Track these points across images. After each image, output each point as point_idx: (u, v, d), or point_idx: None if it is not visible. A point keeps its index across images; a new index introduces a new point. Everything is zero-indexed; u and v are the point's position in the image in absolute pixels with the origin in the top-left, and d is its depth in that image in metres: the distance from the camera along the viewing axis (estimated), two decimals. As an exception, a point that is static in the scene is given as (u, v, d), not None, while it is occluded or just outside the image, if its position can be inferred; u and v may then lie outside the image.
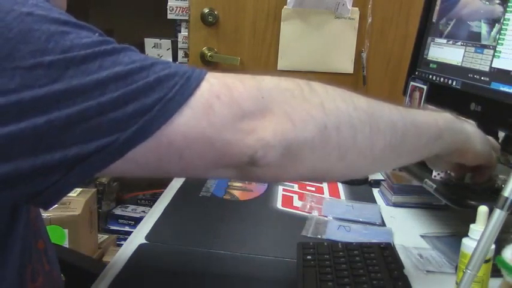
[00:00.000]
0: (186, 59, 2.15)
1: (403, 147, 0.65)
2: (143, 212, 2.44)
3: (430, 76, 1.08)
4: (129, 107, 0.48)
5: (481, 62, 0.93)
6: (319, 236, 0.90)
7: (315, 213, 1.01)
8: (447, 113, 0.72)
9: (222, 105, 0.52)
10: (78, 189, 2.12)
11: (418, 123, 0.66)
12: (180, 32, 2.21)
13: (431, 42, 1.10)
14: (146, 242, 0.85)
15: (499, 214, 0.55)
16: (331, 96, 0.58)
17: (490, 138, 0.80)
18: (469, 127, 0.74)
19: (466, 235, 0.68)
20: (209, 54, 1.90)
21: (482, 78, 0.92)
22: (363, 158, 0.61)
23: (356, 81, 1.93)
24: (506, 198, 0.55)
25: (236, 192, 1.10)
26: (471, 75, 0.95)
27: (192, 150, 0.52)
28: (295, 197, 1.10)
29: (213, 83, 0.53)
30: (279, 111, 0.54)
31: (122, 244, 0.91)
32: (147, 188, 2.61)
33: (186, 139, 0.51)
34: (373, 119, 0.60)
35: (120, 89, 0.48)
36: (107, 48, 0.50)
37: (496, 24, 0.90)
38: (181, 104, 0.50)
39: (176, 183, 1.15)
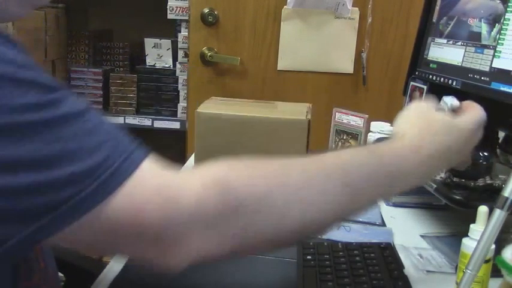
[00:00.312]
0: (186, 59, 2.15)
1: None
2: (143, 212, 2.43)
3: (430, 76, 1.08)
4: (38, 199, 0.43)
5: (481, 62, 0.93)
6: (319, 236, 0.90)
7: (315, 213, 1.01)
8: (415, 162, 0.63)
9: (131, 226, 0.48)
10: (78, 189, 2.13)
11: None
12: (180, 32, 2.21)
13: (431, 42, 1.10)
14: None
15: (499, 214, 0.55)
16: (253, 219, 0.52)
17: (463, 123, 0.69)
18: (430, 169, 0.66)
19: (466, 235, 0.68)
20: (209, 54, 1.90)
21: (482, 78, 0.92)
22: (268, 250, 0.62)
23: (356, 81, 1.93)
24: (506, 198, 0.55)
25: (236, 192, 1.10)
26: (471, 75, 0.95)
27: (103, 251, 0.53)
28: (295, 197, 1.10)
29: (134, 193, 0.47)
30: (185, 245, 0.50)
31: (122, 244, 0.90)
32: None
33: (93, 245, 0.50)
34: (293, 232, 0.55)
35: (31, 177, 0.43)
36: (38, 118, 0.44)
37: (496, 24, 0.90)
38: (94, 205, 0.45)
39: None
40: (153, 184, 0.49)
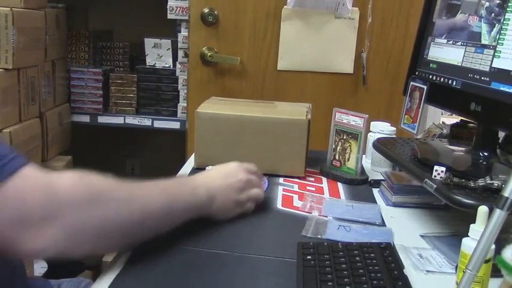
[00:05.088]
0: (186, 59, 2.15)
1: (163, 228, 0.81)
2: (143, 212, 2.43)
3: (430, 76, 1.08)
4: None
5: (481, 62, 0.93)
6: (319, 236, 0.90)
7: (315, 213, 1.01)
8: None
9: (14, 211, 0.62)
10: (78, 189, 2.12)
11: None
12: (180, 32, 2.21)
13: (431, 42, 1.10)
14: (146, 242, 0.85)
15: (499, 214, 0.55)
16: (109, 205, 0.71)
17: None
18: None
19: (466, 235, 0.68)
20: (209, 54, 1.90)
21: (482, 78, 0.92)
22: (122, 246, 0.79)
23: (356, 81, 1.94)
24: (507, 198, 0.55)
25: (236, 192, 1.09)
26: (471, 75, 0.95)
27: None
28: (295, 197, 1.10)
29: (17, 185, 0.62)
30: (61, 224, 0.65)
31: (122, 244, 0.90)
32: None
33: None
34: (141, 224, 0.76)
35: None
36: None
37: (496, 24, 0.90)
38: None
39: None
40: (37, 176, 0.66)
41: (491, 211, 0.56)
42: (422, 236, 0.92)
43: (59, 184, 0.66)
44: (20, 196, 0.63)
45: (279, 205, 1.05)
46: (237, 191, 0.95)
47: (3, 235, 0.62)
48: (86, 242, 0.69)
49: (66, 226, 0.65)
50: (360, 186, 1.20)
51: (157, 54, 2.31)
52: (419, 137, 1.30)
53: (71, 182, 0.67)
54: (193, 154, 1.25)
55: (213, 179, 0.94)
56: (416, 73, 1.13)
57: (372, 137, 1.31)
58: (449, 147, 1.09)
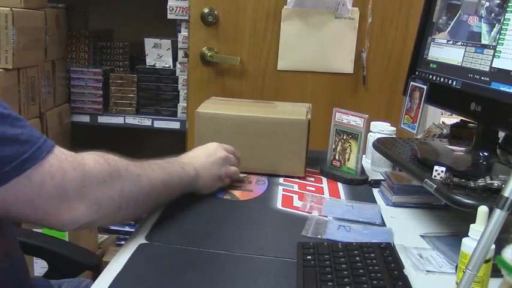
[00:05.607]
0: (186, 59, 2.15)
1: (163, 200, 0.93)
2: (143, 212, 2.43)
3: (430, 76, 1.08)
4: None
5: (481, 62, 0.93)
6: (319, 236, 0.90)
7: (315, 213, 1.01)
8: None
9: (53, 187, 0.70)
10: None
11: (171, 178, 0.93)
12: (180, 32, 2.21)
13: (432, 42, 1.10)
14: (146, 242, 0.85)
15: (499, 214, 0.55)
16: (125, 180, 0.81)
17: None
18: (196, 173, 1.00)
19: (466, 235, 0.68)
20: (209, 54, 1.90)
21: (482, 78, 0.92)
22: (133, 216, 0.87)
23: (356, 81, 1.94)
24: (507, 198, 0.55)
25: (236, 193, 1.10)
26: (471, 75, 0.95)
27: (19, 210, 0.69)
28: (295, 197, 1.10)
29: (53, 164, 0.70)
30: (91, 197, 0.74)
31: (122, 244, 0.91)
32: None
33: (17, 202, 0.68)
34: (148, 195, 0.86)
35: None
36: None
37: (496, 24, 0.90)
38: (23, 171, 0.66)
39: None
40: (67, 155, 0.74)
41: (491, 211, 0.56)
42: (422, 236, 0.93)
43: (86, 162, 0.75)
44: (57, 174, 0.70)
45: (279, 205, 1.05)
46: (218, 167, 1.05)
47: (43, 208, 0.70)
48: (109, 213, 0.78)
49: (95, 199, 0.74)
50: (360, 186, 1.20)
51: (157, 54, 2.31)
52: (419, 137, 1.30)
53: (95, 160, 0.77)
54: (193, 154, 1.25)
55: (197, 158, 1.03)
56: (416, 73, 1.13)
57: (372, 137, 1.31)
58: (449, 147, 1.09)
